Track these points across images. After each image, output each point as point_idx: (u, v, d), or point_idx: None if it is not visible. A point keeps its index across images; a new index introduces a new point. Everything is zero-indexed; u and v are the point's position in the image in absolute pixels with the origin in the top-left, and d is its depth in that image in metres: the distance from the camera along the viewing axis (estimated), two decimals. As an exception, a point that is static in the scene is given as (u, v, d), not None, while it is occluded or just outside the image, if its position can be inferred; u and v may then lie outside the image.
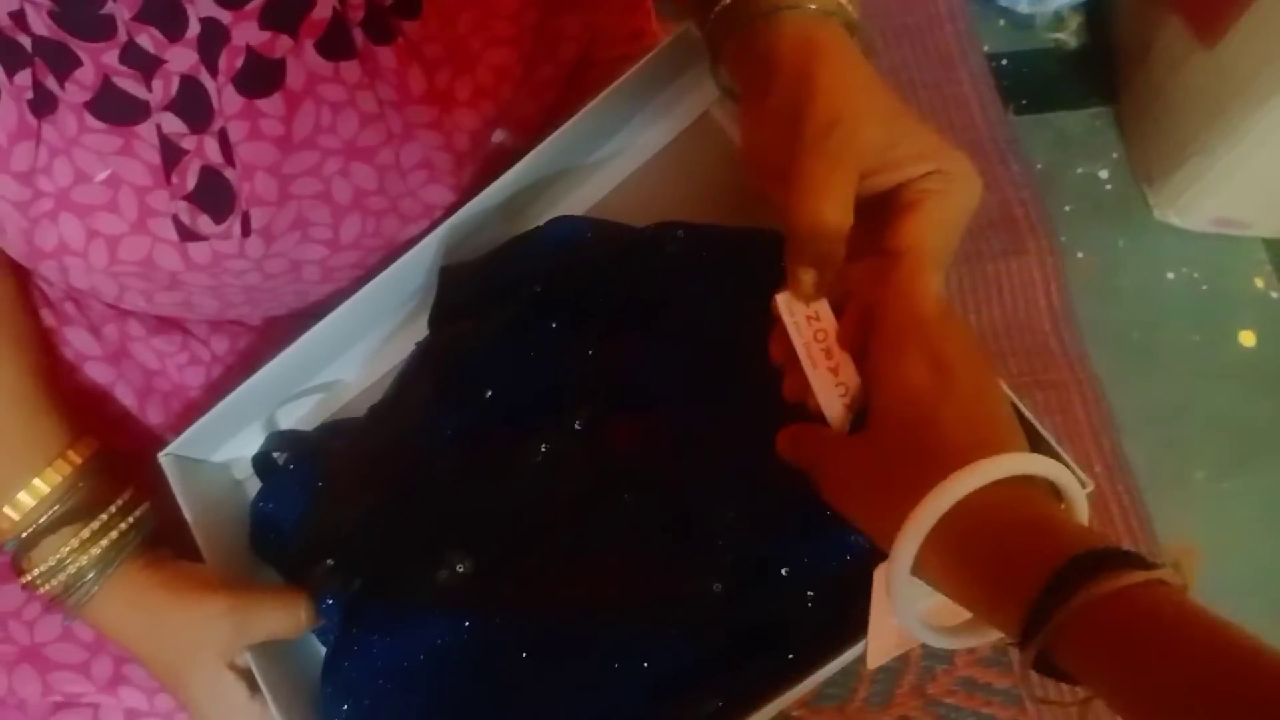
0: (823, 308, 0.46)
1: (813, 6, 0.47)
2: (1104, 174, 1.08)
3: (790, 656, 0.50)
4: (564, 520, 0.49)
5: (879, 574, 0.45)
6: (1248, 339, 0.99)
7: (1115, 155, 1.09)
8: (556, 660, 0.51)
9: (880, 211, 0.46)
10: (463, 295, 0.55)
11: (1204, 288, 1.02)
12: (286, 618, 0.56)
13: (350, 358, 0.62)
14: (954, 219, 0.46)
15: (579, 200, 0.59)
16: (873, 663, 0.49)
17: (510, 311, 0.53)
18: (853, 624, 0.49)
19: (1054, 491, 0.41)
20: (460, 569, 0.50)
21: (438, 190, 0.57)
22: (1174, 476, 0.93)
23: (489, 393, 0.51)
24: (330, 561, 0.56)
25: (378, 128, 0.53)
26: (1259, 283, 1.02)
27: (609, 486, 0.49)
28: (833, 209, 0.43)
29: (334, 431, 0.59)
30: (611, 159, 0.59)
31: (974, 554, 0.38)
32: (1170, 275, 1.03)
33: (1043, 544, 0.37)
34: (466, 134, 0.56)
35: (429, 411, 0.53)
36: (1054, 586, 0.35)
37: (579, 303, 0.53)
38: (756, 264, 0.50)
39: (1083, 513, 0.41)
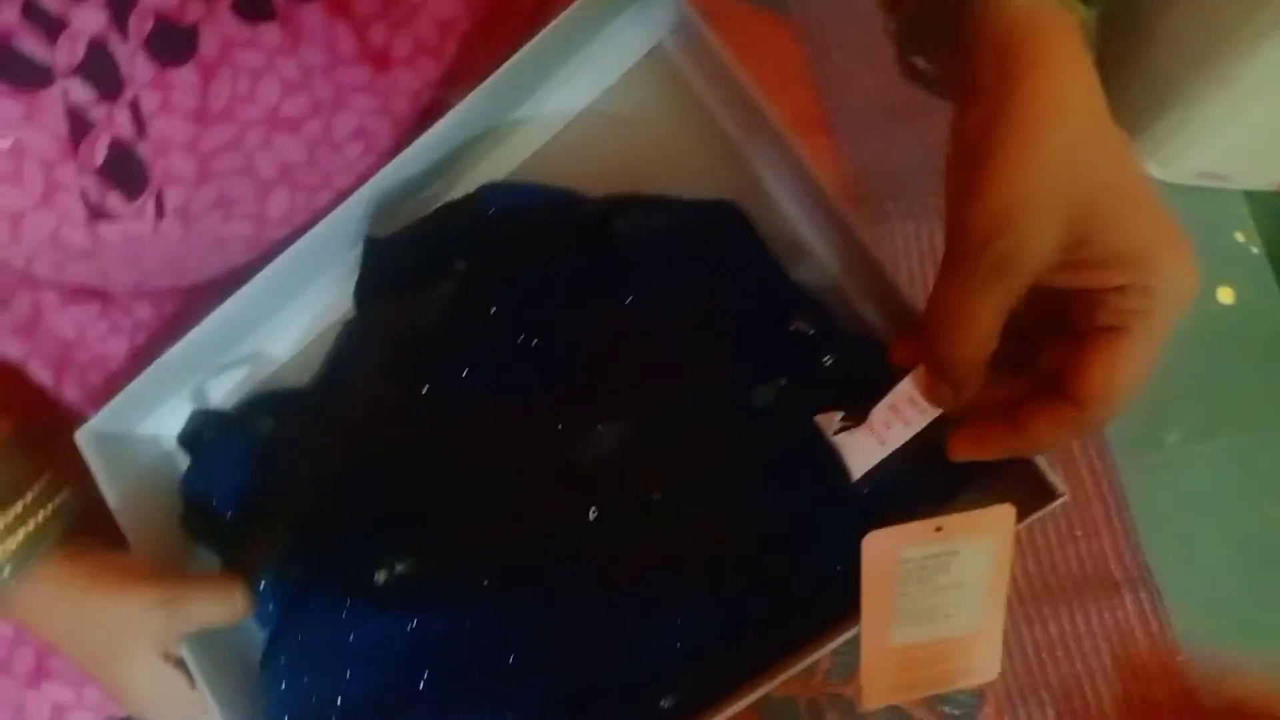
0: None
1: None
2: (1083, 123, 1.04)
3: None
4: (514, 516, 0.46)
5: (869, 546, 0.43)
6: (1226, 295, 0.97)
7: (1095, 104, 1.05)
8: (510, 655, 0.49)
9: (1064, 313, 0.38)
10: (390, 270, 0.50)
11: (1183, 243, 0.99)
12: (221, 606, 0.53)
13: (274, 327, 0.57)
14: (1153, 352, 0.37)
15: (516, 152, 0.54)
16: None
17: (442, 292, 0.48)
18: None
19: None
20: (400, 568, 0.47)
21: (376, 163, 0.53)
22: (1147, 439, 0.91)
23: (426, 387, 0.47)
24: (268, 547, 0.52)
25: (302, 96, 0.49)
26: (1239, 237, 1.00)
27: (555, 481, 0.45)
28: (968, 348, 0.37)
29: (263, 405, 0.55)
30: (552, 105, 0.54)
31: None
32: (1149, 230, 1.00)
33: None
34: (405, 96, 0.52)
35: (365, 398, 0.49)
36: None
37: (517, 284, 0.48)
38: (713, 245, 0.47)
39: None
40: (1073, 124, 0.35)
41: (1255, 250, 0.99)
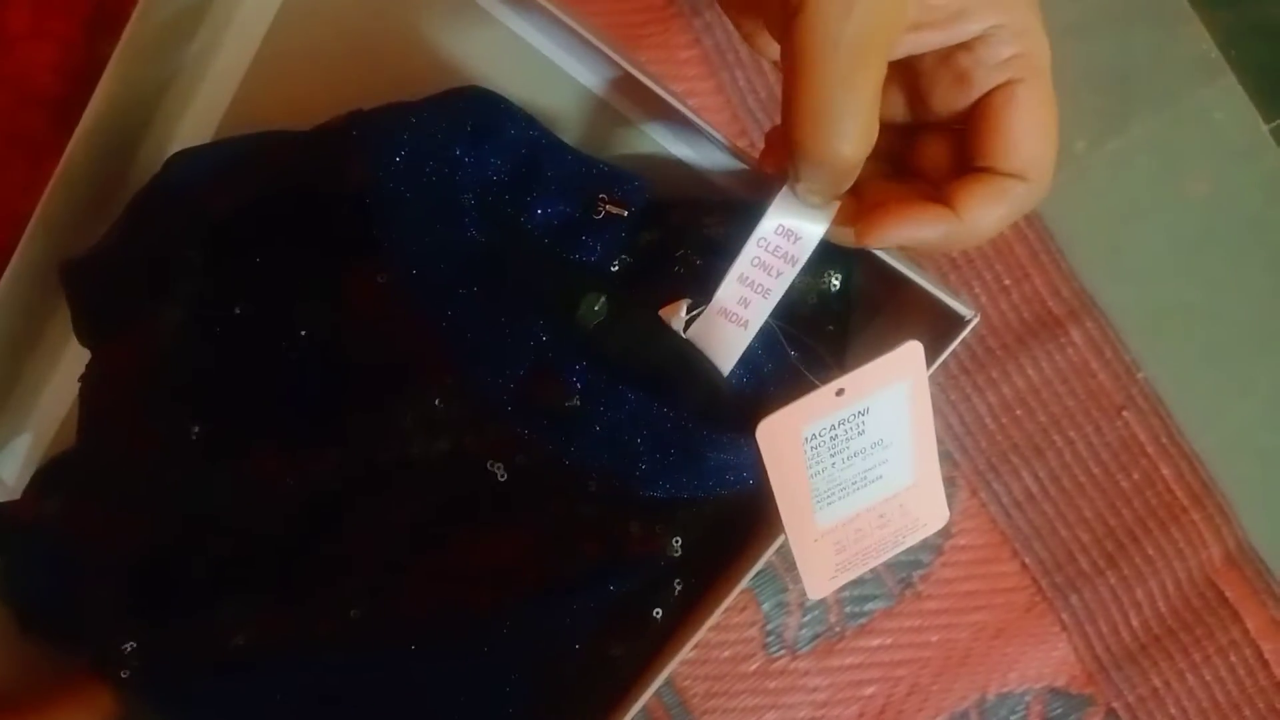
0: None
1: None
2: None
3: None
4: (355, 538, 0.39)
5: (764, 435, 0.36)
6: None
7: None
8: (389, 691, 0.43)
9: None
10: (105, 295, 0.40)
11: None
12: (87, 715, 0.46)
13: (32, 385, 0.48)
14: (1050, 90, 0.38)
15: (211, 107, 0.43)
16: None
17: (175, 315, 0.39)
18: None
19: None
20: (255, 628, 0.39)
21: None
22: (1058, 158, 0.84)
23: (196, 428, 0.39)
24: (110, 637, 0.45)
25: None
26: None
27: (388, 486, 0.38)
28: (852, 142, 0.32)
29: (50, 483, 0.46)
30: (229, 41, 0.43)
31: None
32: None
33: None
34: (45, 71, 0.41)
35: (131, 457, 0.40)
36: None
37: (258, 273, 0.39)
38: (477, 145, 0.38)
39: None
40: None
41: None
